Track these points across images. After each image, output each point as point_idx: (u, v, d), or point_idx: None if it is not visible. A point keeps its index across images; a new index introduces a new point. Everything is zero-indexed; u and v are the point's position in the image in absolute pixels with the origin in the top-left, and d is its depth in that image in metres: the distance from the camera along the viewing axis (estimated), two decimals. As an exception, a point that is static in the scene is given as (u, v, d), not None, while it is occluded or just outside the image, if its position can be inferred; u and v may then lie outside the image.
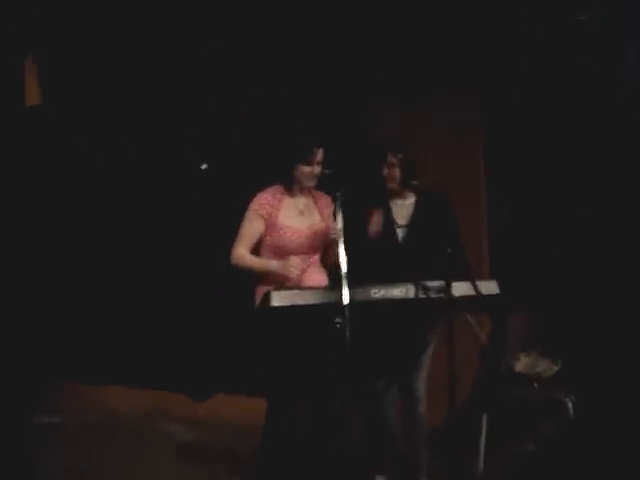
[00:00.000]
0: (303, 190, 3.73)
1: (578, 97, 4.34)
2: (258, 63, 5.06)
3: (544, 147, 4.48)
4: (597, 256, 4.30)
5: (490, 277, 3.92)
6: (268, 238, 3.69)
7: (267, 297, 3.24)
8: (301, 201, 3.75)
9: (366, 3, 4.62)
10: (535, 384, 3.98)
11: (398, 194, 3.79)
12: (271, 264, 3.64)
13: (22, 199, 5.81)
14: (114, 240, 5.71)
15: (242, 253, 3.67)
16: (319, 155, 3.63)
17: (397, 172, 3.73)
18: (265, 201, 3.70)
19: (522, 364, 4.10)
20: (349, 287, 3.18)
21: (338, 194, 3.40)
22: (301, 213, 3.72)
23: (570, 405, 3.80)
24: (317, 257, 3.77)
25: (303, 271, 3.67)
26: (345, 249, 3.26)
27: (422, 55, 4.56)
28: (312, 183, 3.69)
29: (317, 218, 3.75)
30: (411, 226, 3.76)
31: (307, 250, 3.70)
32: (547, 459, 3.84)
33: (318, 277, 3.73)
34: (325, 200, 3.76)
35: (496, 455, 3.94)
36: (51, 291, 5.78)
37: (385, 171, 3.73)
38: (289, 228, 3.66)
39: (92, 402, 5.34)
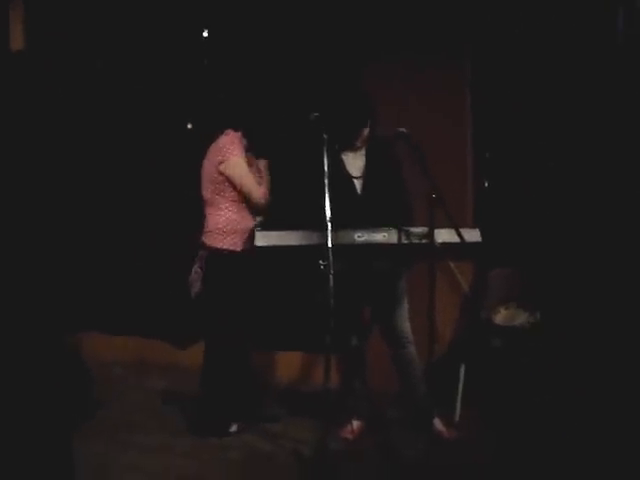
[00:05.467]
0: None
1: (567, 56, 4.32)
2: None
3: (532, 98, 4.47)
4: (576, 210, 4.33)
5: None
6: None
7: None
8: None
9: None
10: (513, 336, 4.03)
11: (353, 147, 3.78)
12: None
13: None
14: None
15: None
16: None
17: (367, 132, 3.73)
18: None
19: (501, 316, 4.15)
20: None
21: (324, 137, 3.39)
22: None
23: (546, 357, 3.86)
24: None
25: None
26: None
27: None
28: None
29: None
30: (365, 177, 3.73)
31: None
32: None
33: None
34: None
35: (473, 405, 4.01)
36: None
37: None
38: None
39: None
